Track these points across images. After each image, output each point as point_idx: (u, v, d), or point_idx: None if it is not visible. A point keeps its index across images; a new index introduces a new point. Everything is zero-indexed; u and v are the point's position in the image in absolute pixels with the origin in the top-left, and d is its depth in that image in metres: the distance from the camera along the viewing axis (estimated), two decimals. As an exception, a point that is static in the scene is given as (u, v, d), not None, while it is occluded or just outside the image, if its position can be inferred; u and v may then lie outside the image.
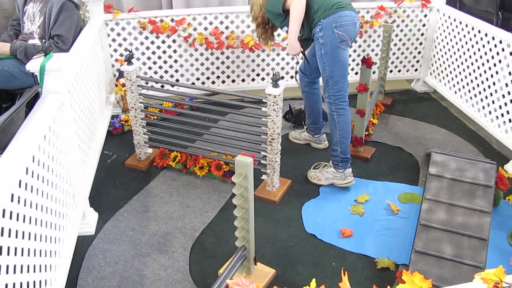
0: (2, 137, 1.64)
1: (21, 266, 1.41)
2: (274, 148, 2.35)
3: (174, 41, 3.31)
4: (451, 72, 3.36)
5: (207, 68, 3.47)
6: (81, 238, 2.15)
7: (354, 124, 2.80)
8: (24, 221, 1.46)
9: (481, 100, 3.02)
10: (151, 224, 2.29)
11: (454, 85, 3.35)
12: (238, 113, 2.49)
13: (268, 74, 3.57)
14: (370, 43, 3.61)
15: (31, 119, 1.66)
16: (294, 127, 3.17)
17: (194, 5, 3.64)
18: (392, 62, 3.70)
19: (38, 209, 1.60)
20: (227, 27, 3.32)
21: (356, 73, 3.66)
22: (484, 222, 2.04)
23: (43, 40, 2.19)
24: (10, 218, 1.35)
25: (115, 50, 3.27)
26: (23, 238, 1.44)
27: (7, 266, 1.32)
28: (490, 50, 2.87)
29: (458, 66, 3.26)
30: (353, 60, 3.65)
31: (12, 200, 1.37)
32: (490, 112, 2.94)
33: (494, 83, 2.87)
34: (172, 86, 3.37)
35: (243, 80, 3.58)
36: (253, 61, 3.50)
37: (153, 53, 3.33)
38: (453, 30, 3.27)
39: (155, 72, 3.41)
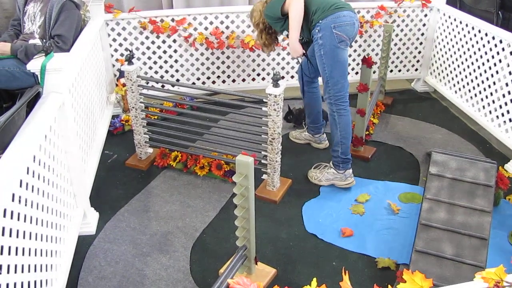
0: (3, 137, 1.64)
1: (22, 265, 1.42)
2: (274, 148, 2.35)
3: (174, 41, 3.31)
4: (451, 72, 3.36)
5: (208, 68, 3.47)
6: (82, 238, 2.16)
7: (355, 124, 2.80)
8: (25, 221, 1.46)
9: (481, 99, 3.02)
10: (152, 223, 2.30)
11: (454, 85, 3.35)
12: (238, 112, 2.49)
13: (268, 74, 3.58)
14: (371, 42, 3.62)
15: (32, 118, 1.66)
16: (294, 127, 3.17)
17: (195, 5, 3.63)
18: (393, 62, 3.70)
19: (39, 208, 1.60)
20: (227, 27, 3.32)
21: (357, 73, 3.66)
22: (485, 222, 2.05)
23: (44, 40, 2.20)
24: (11, 217, 1.35)
25: (116, 50, 3.27)
26: (24, 237, 1.45)
27: (8, 266, 1.32)
28: (490, 49, 2.87)
29: (458, 66, 3.26)
30: (354, 60, 3.65)
31: (13, 200, 1.37)
32: (490, 112, 2.94)
33: (494, 83, 2.87)
34: (173, 86, 3.37)
35: (243, 80, 3.58)
36: (253, 60, 3.50)
37: (154, 53, 3.33)
38: (453, 29, 3.27)
39: (156, 72, 3.41)
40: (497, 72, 2.84)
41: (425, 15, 3.54)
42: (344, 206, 2.42)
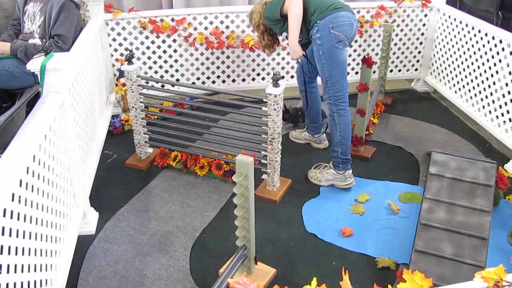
0: (3, 136, 1.65)
1: (22, 265, 1.41)
2: (274, 148, 2.35)
3: (174, 40, 3.31)
4: (451, 72, 3.36)
5: (208, 68, 3.47)
6: (81, 238, 2.15)
7: (354, 124, 2.80)
8: (24, 221, 1.46)
9: (481, 99, 3.02)
10: (152, 223, 2.29)
11: (454, 85, 3.35)
12: (238, 112, 2.49)
13: (268, 74, 3.58)
14: (371, 42, 3.62)
15: (31, 118, 1.66)
16: (294, 127, 3.17)
17: (195, 4, 3.64)
18: (393, 62, 3.70)
19: (38, 208, 1.60)
20: (227, 27, 3.32)
21: (357, 73, 3.67)
22: (484, 221, 2.05)
23: (44, 40, 2.20)
24: (11, 217, 1.35)
25: (116, 50, 3.27)
26: (23, 237, 1.44)
27: (8, 266, 1.32)
28: (490, 49, 2.87)
29: (458, 66, 3.26)
30: (354, 60, 3.65)
31: (12, 200, 1.37)
32: (490, 112, 2.94)
33: (494, 83, 2.87)
34: (173, 85, 3.37)
35: (243, 80, 3.58)
36: (253, 60, 3.50)
37: (154, 52, 3.33)
38: (453, 29, 3.27)
39: (156, 72, 3.41)
40: (497, 72, 2.84)
41: (425, 15, 3.54)
42: (344, 206, 2.42)
